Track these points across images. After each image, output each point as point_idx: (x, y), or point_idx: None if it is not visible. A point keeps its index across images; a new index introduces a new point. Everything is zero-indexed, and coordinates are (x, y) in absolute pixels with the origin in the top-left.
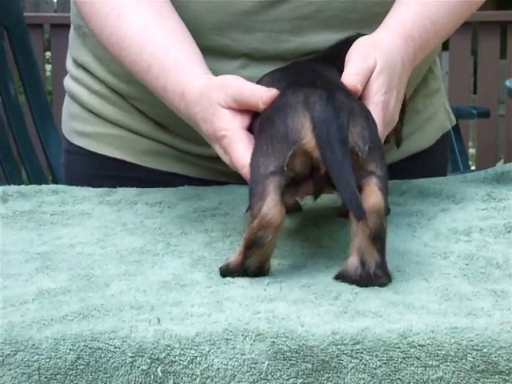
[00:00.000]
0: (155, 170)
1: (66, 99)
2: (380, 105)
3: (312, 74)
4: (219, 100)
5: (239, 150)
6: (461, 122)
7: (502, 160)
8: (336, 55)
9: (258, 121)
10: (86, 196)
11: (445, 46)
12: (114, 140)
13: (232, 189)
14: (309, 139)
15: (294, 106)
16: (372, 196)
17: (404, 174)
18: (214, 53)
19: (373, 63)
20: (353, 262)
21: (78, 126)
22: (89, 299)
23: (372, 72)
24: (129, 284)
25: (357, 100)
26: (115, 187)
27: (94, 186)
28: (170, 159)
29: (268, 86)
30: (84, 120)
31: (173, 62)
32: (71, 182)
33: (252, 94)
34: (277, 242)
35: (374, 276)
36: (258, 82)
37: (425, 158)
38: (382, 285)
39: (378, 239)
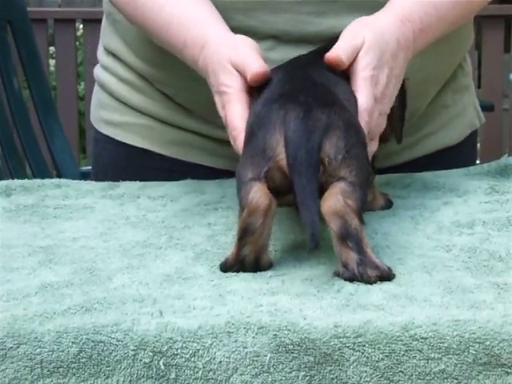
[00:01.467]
0: (181, 161)
1: (96, 88)
2: (368, 79)
3: (304, 82)
4: (228, 57)
5: (235, 110)
6: None
7: (507, 154)
8: None
9: (245, 131)
10: (88, 190)
11: None
12: (141, 130)
13: (235, 183)
14: (283, 156)
15: (273, 123)
16: (328, 199)
17: (431, 170)
18: (242, 34)
19: (361, 41)
20: (339, 266)
21: (106, 115)
22: (91, 292)
23: (360, 49)
24: (131, 277)
25: (342, 114)
26: (141, 178)
27: (120, 177)
28: (195, 150)
29: (267, 89)
30: (112, 109)
31: (193, 19)
32: (99, 171)
33: (247, 65)
34: (269, 229)
35: (360, 274)
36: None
37: (452, 154)
38: (377, 279)
39: (347, 238)
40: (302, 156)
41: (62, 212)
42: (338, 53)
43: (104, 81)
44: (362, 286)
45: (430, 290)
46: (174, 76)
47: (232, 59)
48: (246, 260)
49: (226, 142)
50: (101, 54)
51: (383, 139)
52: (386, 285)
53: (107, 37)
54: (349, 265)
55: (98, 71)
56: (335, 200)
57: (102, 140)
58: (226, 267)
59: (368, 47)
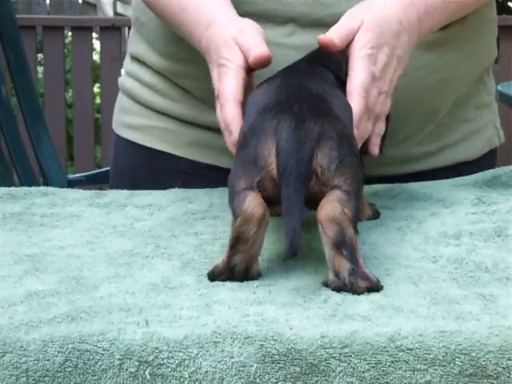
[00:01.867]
0: (198, 162)
1: (119, 96)
2: (366, 58)
3: (299, 92)
4: (235, 37)
5: (230, 80)
6: None
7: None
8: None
9: (238, 139)
10: (75, 198)
11: None
12: (160, 132)
13: (223, 192)
14: (274, 166)
15: (266, 132)
16: (325, 206)
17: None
18: (262, 18)
19: (359, 22)
20: (329, 274)
21: (127, 119)
22: (77, 301)
23: (357, 31)
24: (118, 286)
25: (336, 124)
26: (157, 181)
27: (137, 180)
28: (212, 150)
29: (262, 98)
30: (133, 113)
31: (205, 5)
32: (117, 174)
33: (251, 47)
34: (262, 239)
35: (350, 284)
36: (257, 88)
37: (470, 170)
38: (365, 290)
39: (342, 247)
40: (292, 166)
41: (49, 220)
42: (330, 35)
43: (127, 87)
44: (349, 297)
45: (417, 300)
46: (196, 69)
47: (238, 39)
48: (236, 268)
49: None
50: (126, 63)
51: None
52: (372, 295)
53: (133, 44)
54: (340, 273)
55: (122, 79)
56: (333, 207)
57: (122, 144)
58: (214, 275)
59: (366, 28)
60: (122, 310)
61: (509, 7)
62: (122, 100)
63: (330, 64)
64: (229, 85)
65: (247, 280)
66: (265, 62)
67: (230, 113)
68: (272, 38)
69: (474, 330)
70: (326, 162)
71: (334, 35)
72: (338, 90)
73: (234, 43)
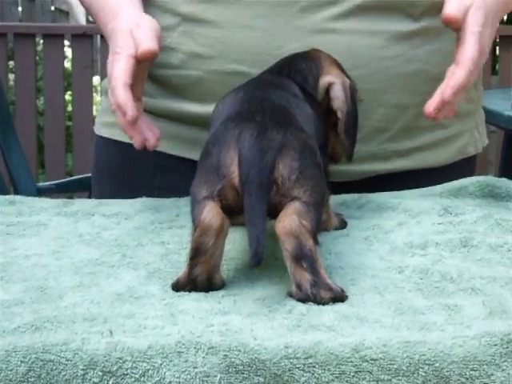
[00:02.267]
0: (172, 155)
1: (101, 98)
2: (476, 34)
3: (262, 103)
4: (130, 29)
5: (120, 66)
6: None
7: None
8: (295, 68)
9: (202, 150)
10: (42, 207)
11: None
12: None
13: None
14: (236, 174)
15: (228, 141)
16: (282, 219)
17: (416, 188)
18: None
19: (470, 1)
20: (292, 286)
21: (105, 118)
22: (42, 311)
23: (469, 8)
24: (83, 296)
25: (298, 135)
26: (134, 176)
27: (115, 176)
28: (185, 144)
29: (226, 109)
30: (110, 110)
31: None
32: (97, 173)
33: (142, 41)
34: (222, 249)
35: (313, 296)
36: (222, 100)
37: (440, 176)
38: (329, 301)
39: (302, 259)
40: (254, 175)
41: (15, 229)
42: (455, 12)
43: (105, 86)
44: (314, 307)
45: (382, 311)
46: (172, 56)
47: (133, 32)
48: (198, 280)
49: None
50: None
51: (335, 159)
52: (337, 305)
53: None
54: (302, 286)
55: (104, 81)
56: (290, 220)
57: (102, 143)
58: (178, 287)
59: (477, 7)
60: (86, 320)
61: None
62: (102, 101)
63: (296, 75)
64: (119, 70)
65: (211, 290)
66: (150, 57)
67: (121, 95)
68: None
69: (438, 340)
70: (287, 172)
71: (458, 12)
72: (302, 102)
73: (129, 35)
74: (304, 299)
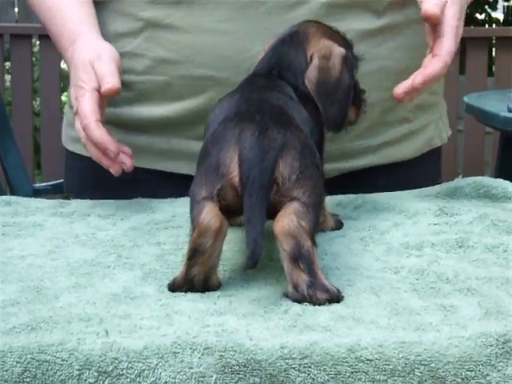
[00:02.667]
0: (144, 169)
1: (66, 108)
2: (455, 28)
3: (260, 103)
4: (92, 60)
5: (87, 102)
6: None
7: (461, 175)
8: (286, 68)
9: (200, 150)
10: (38, 207)
11: None
12: None
13: (186, 201)
14: (236, 174)
15: (228, 140)
16: (281, 219)
17: (387, 182)
18: None
19: None
20: (288, 287)
21: (72, 132)
22: (37, 311)
23: (446, 3)
24: (78, 296)
25: (298, 134)
26: (108, 190)
27: (90, 191)
28: (151, 156)
29: (224, 111)
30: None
31: (72, 16)
32: (68, 189)
33: (105, 77)
34: (220, 250)
35: (309, 297)
36: (218, 104)
37: (409, 169)
38: (326, 302)
39: (299, 260)
40: (255, 175)
41: (11, 229)
42: (434, 8)
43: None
44: (310, 307)
45: (377, 311)
46: (137, 63)
47: (94, 64)
48: (195, 280)
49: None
50: None
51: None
52: (333, 306)
53: None
54: (299, 286)
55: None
56: (289, 220)
57: (71, 158)
58: (174, 287)
59: (453, 1)
60: (81, 320)
61: (476, 19)
62: (67, 113)
63: (287, 73)
64: (87, 107)
65: (207, 291)
66: (113, 94)
67: (96, 133)
68: None
69: (433, 340)
70: (287, 172)
71: (437, 8)
72: (297, 105)
73: (91, 67)
74: (300, 300)
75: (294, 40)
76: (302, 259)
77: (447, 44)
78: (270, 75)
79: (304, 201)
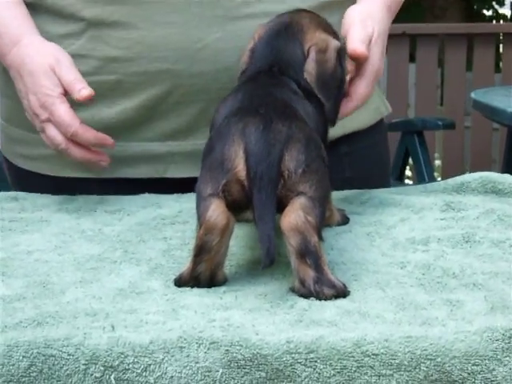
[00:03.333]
0: (107, 179)
1: (1, 123)
2: (375, 73)
3: (264, 97)
4: (52, 66)
5: (63, 109)
6: (427, 134)
7: (468, 172)
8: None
9: (204, 147)
10: (45, 203)
11: (412, 57)
12: (61, 159)
13: (192, 197)
14: (241, 168)
15: (232, 135)
16: (288, 214)
17: (348, 156)
18: None
19: (371, 31)
20: (295, 282)
21: (23, 150)
22: (44, 306)
23: (371, 39)
24: (85, 291)
25: (303, 127)
26: None
27: None
28: (115, 165)
29: (227, 108)
30: (25, 142)
31: (9, 16)
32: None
33: (74, 85)
34: (226, 247)
35: (316, 292)
36: (221, 103)
37: (364, 138)
38: (332, 297)
39: (306, 255)
40: (263, 170)
41: (18, 225)
42: (363, 49)
43: (8, 114)
44: (316, 302)
45: (383, 306)
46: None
47: (56, 70)
48: (201, 277)
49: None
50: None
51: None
52: (339, 301)
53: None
54: (306, 282)
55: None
56: (296, 216)
57: (22, 174)
58: (180, 282)
59: (377, 37)
60: (87, 315)
61: (484, 15)
62: (7, 129)
63: (288, 69)
64: (65, 113)
65: (213, 286)
66: (89, 101)
67: (90, 135)
68: None
69: (439, 335)
70: (294, 166)
71: (364, 47)
72: (302, 100)
73: (52, 73)
74: (307, 295)
75: (289, 32)
76: (309, 255)
77: (363, 89)
78: (272, 72)
79: (311, 195)
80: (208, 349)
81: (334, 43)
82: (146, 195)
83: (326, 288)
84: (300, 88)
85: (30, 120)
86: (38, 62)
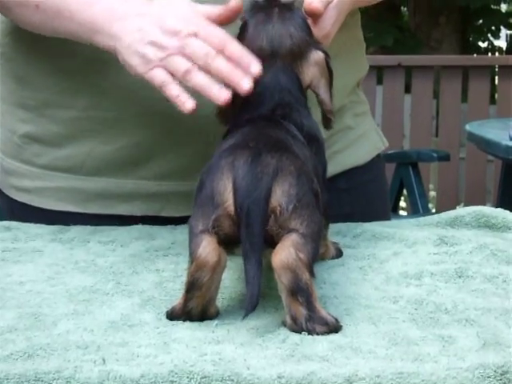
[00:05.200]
0: (101, 214)
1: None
2: (329, 36)
3: (257, 135)
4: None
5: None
6: (421, 165)
7: (463, 203)
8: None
9: (197, 182)
10: (38, 233)
11: (407, 88)
12: (56, 193)
13: (186, 229)
14: (231, 203)
15: (221, 169)
16: (279, 252)
17: (346, 191)
18: None
19: None
20: (286, 319)
21: (17, 182)
22: (35, 338)
23: (329, 4)
24: (76, 323)
25: (294, 160)
26: None
27: None
28: (110, 201)
29: (222, 147)
30: (20, 174)
31: None
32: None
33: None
34: (218, 283)
35: (308, 330)
36: (219, 145)
37: (362, 174)
38: (323, 334)
39: (297, 293)
40: (250, 205)
41: (11, 255)
42: (319, 5)
43: (7, 146)
44: (308, 336)
45: (376, 341)
46: (82, 98)
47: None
48: (193, 312)
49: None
50: None
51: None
52: (331, 335)
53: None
54: (297, 320)
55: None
56: (287, 253)
57: (16, 207)
58: (172, 316)
59: (335, 4)
60: (79, 348)
61: (479, 47)
62: (3, 162)
63: (291, 113)
64: (217, 31)
65: (205, 320)
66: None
67: (238, 48)
68: None
69: (431, 371)
70: (285, 201)
71: (321, 5)
72: (301, 144)
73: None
74: (299, 332)
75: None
76: (301, 292)
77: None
78: (274, 116)
79: (302, 231)
80: (199, 383)
81: (320, 55)
82: (140, 226)
83: (318, 326)
84: (302, 133)
85: (138, 58)
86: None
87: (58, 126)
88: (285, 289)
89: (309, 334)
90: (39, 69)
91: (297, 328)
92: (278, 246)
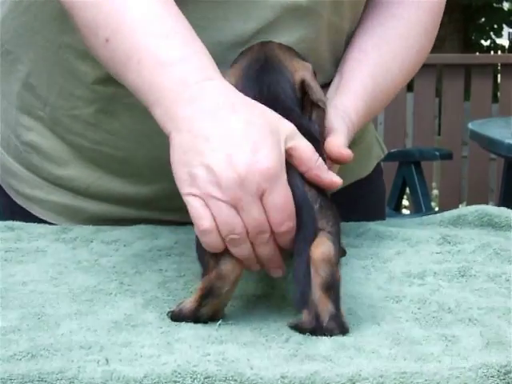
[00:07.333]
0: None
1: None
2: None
3: None
4: (287, 134)
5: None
6: (424, 164)
7: (465, 202)
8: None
9: None
10: (41, 233)
11: (409, 87)
12: (57, 207)
13: (189, 229)
14: None
15: None
16: (320, 245)
17: (349, 199)
18: None
19: (347, 128)
20: (307, 315)
21: (17, 185)
22: (38, 338)
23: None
24: (80, 323)
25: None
26: None
27: None
28: (114, 222)
29: None
30: (21, 179)
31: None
32: None
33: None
34: (232, 293)
35: (326, 329)
36: None
37: (366, 185)
38: (335, 335)
39: (330, 289)
40: (301, 203)
41: (13, 255)
42: (348, 151)
43: (15, 149)
44: (311, 336)
45: (379, 341)
46: (89, 125)
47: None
48: (203, 317)
49: (138, 201)
50: (12, 117)
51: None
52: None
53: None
54: (321, 316)
55: (4, 134)
56: (328, 247)
57: (17, 211)
58: (179, 317)
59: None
60: (82, 348)
61: (481, 45)
62: (2, 156)
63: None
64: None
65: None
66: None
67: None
68: None
69: (434, 371)
70: (312, 201)
71: (346, 150)
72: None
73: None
74: (316, 330)
75: (269, 67)
76: (334, 289)
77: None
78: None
79: (329, 230)
80: (202, 383)
81: (308, 66)
82: (143, 226)
83: (336, 327)
84: (301, 130)
85: (186, 171)
86: (263, 120)
87: (66, 146)
88: (320, 282)
89: (327, 331)
90: (52, 85)
91: (316, 325)
92: (317, 241)
